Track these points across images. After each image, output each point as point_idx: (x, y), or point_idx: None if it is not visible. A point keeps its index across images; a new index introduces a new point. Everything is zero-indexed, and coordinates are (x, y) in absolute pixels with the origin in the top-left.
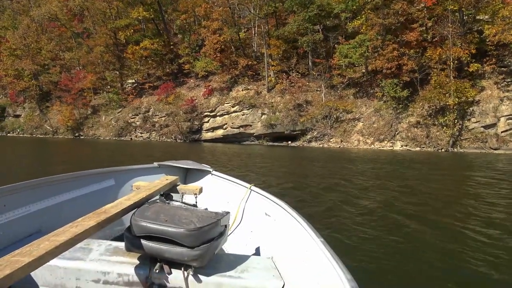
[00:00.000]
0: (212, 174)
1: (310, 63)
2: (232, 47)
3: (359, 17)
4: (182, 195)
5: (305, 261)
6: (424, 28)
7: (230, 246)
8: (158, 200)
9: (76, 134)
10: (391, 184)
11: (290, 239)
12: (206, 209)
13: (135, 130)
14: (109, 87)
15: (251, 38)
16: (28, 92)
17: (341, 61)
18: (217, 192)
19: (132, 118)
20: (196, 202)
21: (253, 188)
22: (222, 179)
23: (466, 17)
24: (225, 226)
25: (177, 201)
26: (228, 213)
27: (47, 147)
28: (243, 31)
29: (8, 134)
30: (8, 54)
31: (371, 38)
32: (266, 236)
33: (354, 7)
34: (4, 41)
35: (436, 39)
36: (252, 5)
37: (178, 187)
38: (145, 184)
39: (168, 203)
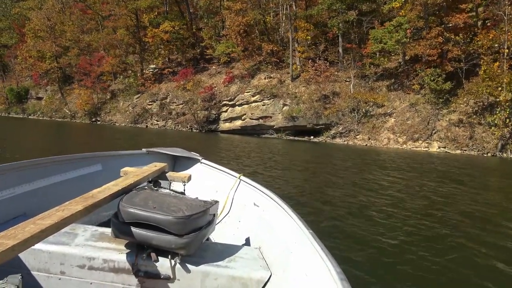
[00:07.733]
0: (201, 163)
1: (340, 50)
2: (257, 31)
3: None
4: (171, 183)
5: (293, 252)
6: (474, 13)
7: (218, 235)
8: (146, 187)
9: (93, 119)
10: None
11: (279, 229)
12: (197, 198)
13: (151, 117)
14: (130, 71)
15: (278, 22)
16: (50, 75)
17: (374, 47)
18: (206, 180)
19: (149, 105)
20: (184, 190)
21: (242, 178)
22: (211, 168)
23: None
24: (214, 215)
25: (165, 188)
26: (217, 202)
27: (52, 132)
28: (271, 15)
29: (29, 117)
30: (32, 36)
31: (411, 19)
32: (254, 226)
33: None
34: (30, 22)
35: (488, 23)
36: None
37: (166, 174)
38: (133, 170)
39: (157, 190)
